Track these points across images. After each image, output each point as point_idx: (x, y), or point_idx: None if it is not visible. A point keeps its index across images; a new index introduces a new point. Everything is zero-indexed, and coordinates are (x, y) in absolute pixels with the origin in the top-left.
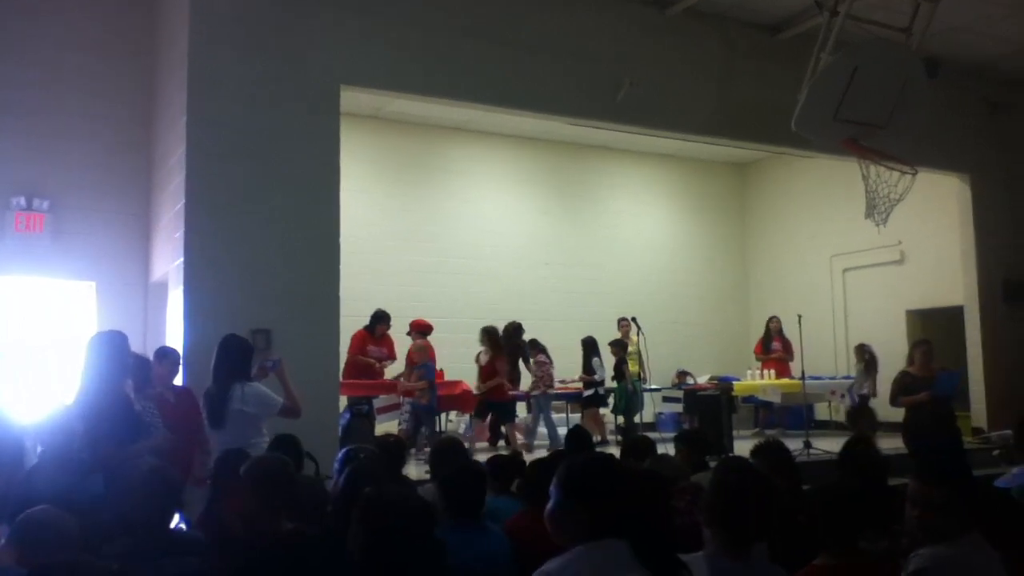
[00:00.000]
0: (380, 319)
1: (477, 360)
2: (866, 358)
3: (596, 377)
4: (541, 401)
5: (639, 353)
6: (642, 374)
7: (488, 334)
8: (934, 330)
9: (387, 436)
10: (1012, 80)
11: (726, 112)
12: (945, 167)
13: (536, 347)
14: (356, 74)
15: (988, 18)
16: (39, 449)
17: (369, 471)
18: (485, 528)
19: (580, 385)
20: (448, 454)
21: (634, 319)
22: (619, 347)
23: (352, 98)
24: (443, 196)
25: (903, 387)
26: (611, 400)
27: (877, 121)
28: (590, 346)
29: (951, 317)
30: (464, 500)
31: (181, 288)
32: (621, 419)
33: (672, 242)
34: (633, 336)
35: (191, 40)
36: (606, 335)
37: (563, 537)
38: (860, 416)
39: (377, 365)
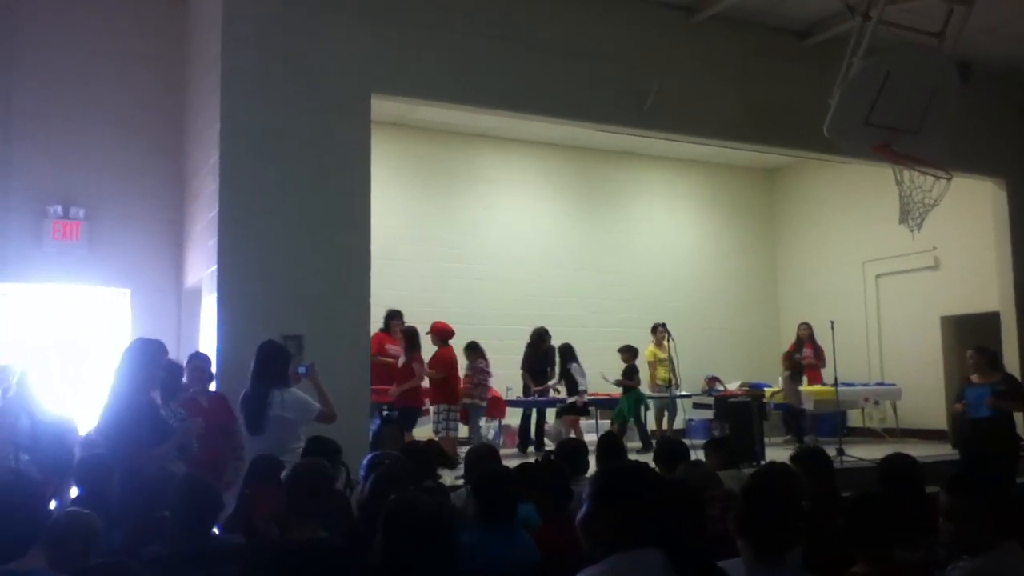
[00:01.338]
0: (393, 316)
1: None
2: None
3: (579, 387)
4: (471, 410)
5: (671, 359)
6: (674, 380)
7: (406, 335)
8: (969, 337)
9: (414, 442)
10: None
11: (753, 117)
12: (980, 172)
13: (476, 351)
14: (386, 82)
15: (1020, 20)
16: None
17: (395, 477)
18: (516, 533)
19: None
20: (482, 459)
21: (664, 326)
22: (629, 353)
23: (378, 105)
24: (467, 202)
25: (957, 395)
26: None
27: (910, 126)
28: (566, 353)
29: (987, 323)
30: (495, 504)
31: (214, 295)
32: (654, 424)
33: (700, 248)
34: (665, 343)
35: (224, 47)
36: (633, 341)
37: (595, 546)
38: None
39: (398, 364)
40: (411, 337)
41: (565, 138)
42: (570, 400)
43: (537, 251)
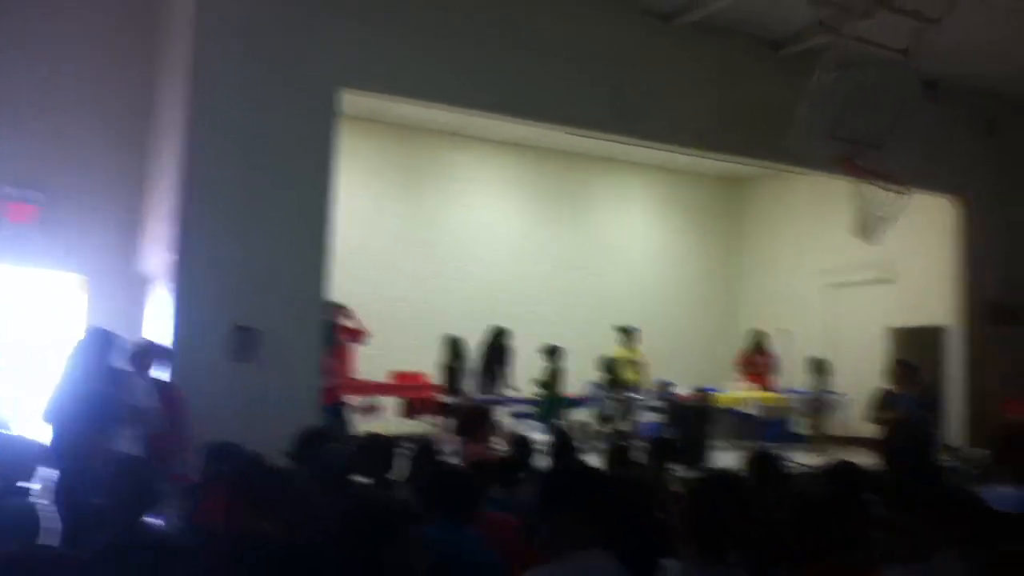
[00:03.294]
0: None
1: None
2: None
3: (462, 385)
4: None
5: (640, 363)
6: (640, 383)
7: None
8: (915, 349)
9: (374, 435)
10: (1009, 102)
11: (724, 126)
12: (939, 188)
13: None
14: (356, 77)
15: (987, 40)
16: None
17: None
18: (461, 530)
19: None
20: (428, 456)
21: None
22: (553, 354)
23: (352, 101)
24: (440, 200)
25: (880, 403)
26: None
27: (874, 140)
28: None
29: (933, 337)
30: (448, 501)
31: (171, 283)
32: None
33: (665, 253)
34: (637, 347)
35: (195, 37)
36: (599, 342)
37: (548, 546)
38: None
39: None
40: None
41: (539, 140)
42: (448, 401)
43: (508, 251)
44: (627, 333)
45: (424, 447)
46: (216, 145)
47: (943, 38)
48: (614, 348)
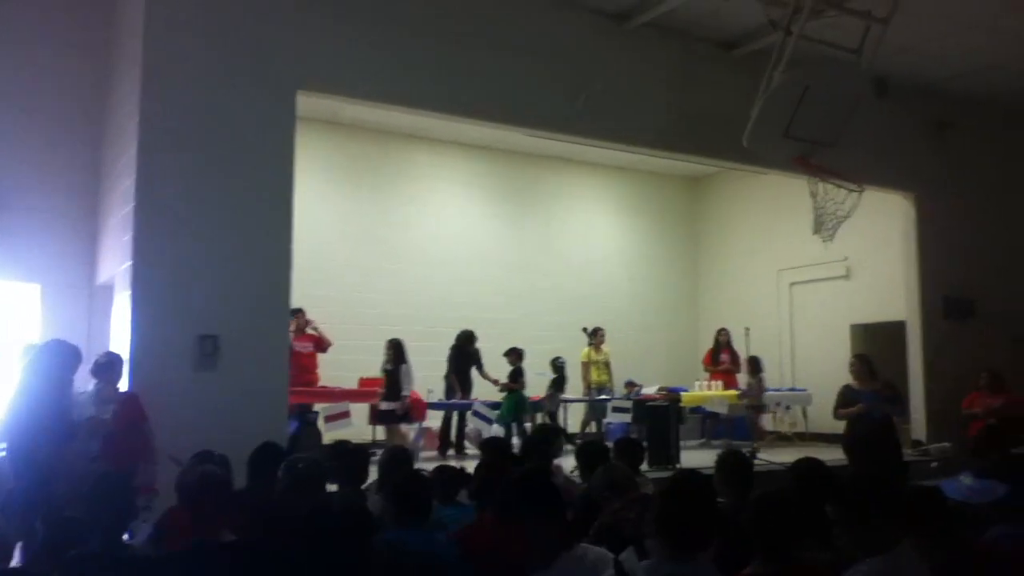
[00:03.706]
0: (293, 313)
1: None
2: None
3: (402, 391)
4: None
5: (607, 363)
6: (609, 383)
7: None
8: (877, 344)
9: (343, 443)
10: (959, 100)
11: (680, 126)
12: (891, 186)
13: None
14: (314, 79)
15: (936, 39)
16: None
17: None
18: (432, 535)
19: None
20: (395, 462)
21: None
22: (514, 355)
23: (310, 103)
24: (399, 203)
25: (844, 400)
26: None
27: (826, 139)
28: (397, 349)
29: (894, 332)
30: (410, 507)
31: (128, 292)
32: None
33: (625, 253)
34: (605, 347)
35: (146, 39)
36: (560, 343)
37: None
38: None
39: (306, 354)
40: None
41: (497, 141)
42: (389, 406)
43: (468, 253)
44: (593, 334)
45: (393, 454)
46: (171, 149)
47: (893, 38)
48: (581, 349)
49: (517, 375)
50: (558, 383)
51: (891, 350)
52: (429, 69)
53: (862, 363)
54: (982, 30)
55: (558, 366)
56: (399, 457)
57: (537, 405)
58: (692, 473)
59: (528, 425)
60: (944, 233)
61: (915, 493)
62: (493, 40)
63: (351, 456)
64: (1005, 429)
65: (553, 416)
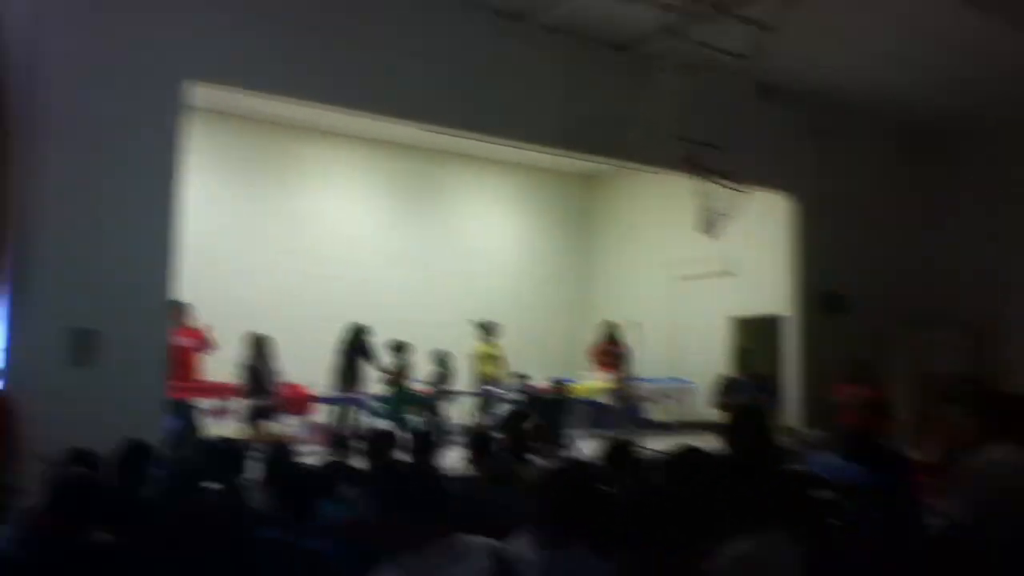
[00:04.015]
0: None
1: None
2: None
3: (267, 387)
4: None
5: (501, 357)
6: (500, 377)
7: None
8: (756, 337)
9: (222, 440)
10: (836, 105)
11: (574, 125)
12: (772, 186)
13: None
14: (204, 69)
15: (818, 50)
16: None
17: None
18: (316, 531)
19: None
20: (280, 458)
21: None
22: (400, 349)
23: (201, 93)
24: (295, 197)
25: (724, 390)
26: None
27: (712, 140)
28: (259, 345)
29: (771, 325)
30: (294, 503)
31: (6, 286)
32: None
33: (520, 249)
34: (498, 341)
35: (28, 22)
36: (455, 337)
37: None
38: None
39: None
40: None
41: (394, 136)
42: (253, 403)
43: (367, 249)
44: (486, 328)
45: (276, 450)
46: (53, 138)
47: (778, 46)
48: (474, 344)
49: (402, 369)
50: (443, 376)
51: (768, 343)
52: (323, 61)
53: (741, 355)
54: (860, 45)
55: (442, 359)
56: (282, 453)
57: (423, 399)
58: (573, 462)
59: (414, 419)
60: (819, 232)
61: (786, 478)
62: (389, 34)
63: (228, 453)
64: (871, 416)
65: (437, 410)
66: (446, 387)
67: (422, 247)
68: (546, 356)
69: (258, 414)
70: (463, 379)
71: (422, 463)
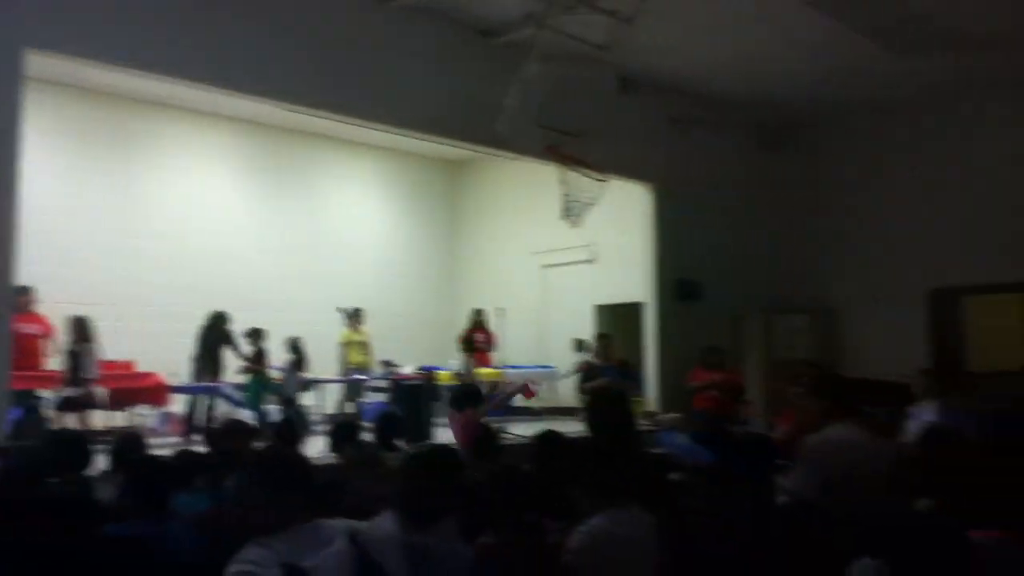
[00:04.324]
0: (20, 292)
1: None
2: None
3: (87, 375)
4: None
5: (366, 344)
6: (366, 364)
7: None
8: (617, 324)
9: (65, 431)
10: (694, 98)
11: (439, 110)
12: (633, 176)
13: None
14: (44, 37)
15: (676, 42)
16: None
17: (26, 470)
18: (168, 523)
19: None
20: (131, 448)
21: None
22: (256, 336)
23: (49, 65)
24: (150, 176)
25: (587, 376)
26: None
27: (574, 130)
28: (80, 328)
29: (632, 312)
30: (147, 494)
31: None
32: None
33: (385, 234)
34: (364, 328)
35: None
36: (319, 324)
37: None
38: None
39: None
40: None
41: (258, 115)
42: (70, 392)
43: (228, 232)
44: (352, 315)
45: (126, 440)
46: None
47: (638, 37)
48: (340, 330)
49: (260, 356)
50: (296, 364)
51: (629, 329)
52: (175, 34)
53: (604, 341)
54: (717, 36)
55: (295, 346)
56: (133, 443)
57: (279, 387)
58: (435, 446)
59: (275, 407)
60: (677, 221)
61: (644, 459)
62: (246, 6)
63: (72, 444)
64: (724, 400)
65: (292, 398)
66: (300, 373)
67: (287, 231)
68: (415, 343)
69: (72, 404)
70: (323, 366)
71: (283, 450)
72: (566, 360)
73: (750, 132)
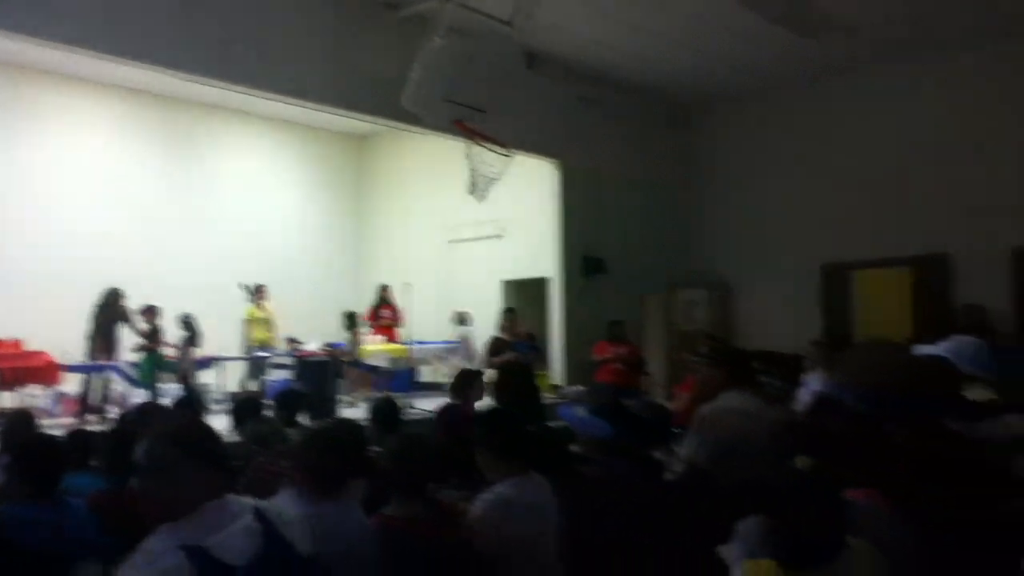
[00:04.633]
0: None
1: None
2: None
3: None
4: None
5: (270, 320)
6: (270, 341)
7: None
8: (524, 299)
9: None
10: (598, 76)
11: (343, 82)
12: (539, 152)
13: None
14: None
15: (580, 20)
16: None
17: None
18: (64, 504)
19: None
20: (21, 428)
21: (264, 286)
22: (151, 313)
23: None
24: (34, 148)
25: (494, 350)
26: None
27: (480, 105)
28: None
29: (538, 287)
30: (37, 475)
31: None
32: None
33: (290, 209)
34: (268, 304)
35: None
36: (222, 302)
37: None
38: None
39: None
40: None
41: (149, 84)
42: None
43: (116, 204)
44: (253, 291)
45: (16, 420)
46: None
47: (543, 14)
48: (244, 307)
49: (154, 334)
50: (190, 341)
51: (536, 304)
52: None
53: (511, 316)
54: (621, 16)
55: (187, 323)
56: (23, 423)
57: (174, 365)
58: (335, 420)
59: (170, 386)
60: (584, 197)
61: (546, 431)
62: None
63: None
64: (627, 372)
65: (187, 376)
66: (194, 350)
67: (185, 204)
68: (321, 320)
69: None
70: (227, 344)
71: (194, 423)
72: (476, 334)
73: (655, 111)
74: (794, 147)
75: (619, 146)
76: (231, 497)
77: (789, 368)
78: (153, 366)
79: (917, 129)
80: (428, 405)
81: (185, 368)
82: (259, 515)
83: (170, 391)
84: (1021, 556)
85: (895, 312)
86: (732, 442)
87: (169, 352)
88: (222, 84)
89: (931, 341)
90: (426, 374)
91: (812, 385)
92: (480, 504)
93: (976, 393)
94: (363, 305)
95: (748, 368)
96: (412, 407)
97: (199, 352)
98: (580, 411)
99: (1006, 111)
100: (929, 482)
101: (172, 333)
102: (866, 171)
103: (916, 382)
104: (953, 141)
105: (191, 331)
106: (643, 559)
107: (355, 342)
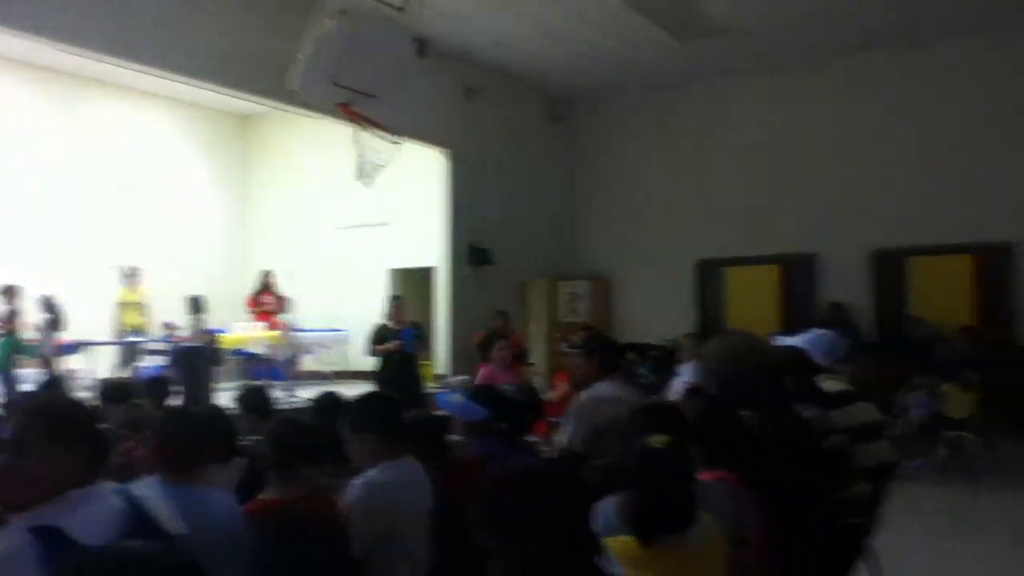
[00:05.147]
0: None
1: None
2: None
3: None
4: None
5: (144, 304)
6: (144, 326)
7: None
8: (410, 287)
9: None
10: (485, 68)
11: (227, 60)
12: (427, 140)
13: None
14: None
15: (472, 9)
16: None
17: None
18: None
19: None
20: None
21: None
22: (10, 294)
23: None
24: None
25: (379, 338)
26: None
27: (369, 90)
28: None
29: (425, 276)
30: None
31: None
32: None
33: (171, 188)
34: (142, 288)
35: None
36: (98, 283)
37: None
38: None
39: None
40: None
41: (27, 54)
42: None
43: None
44: (127, 273)
45: None
46: None
47: (435, 2)
48: (117, 290)
49: (12, 316)
50: (52, 323)
51: (422, 293)
52: None
53: (397, 304)
54: (510, 8)
55: (50, 305)
56: None
57: (34, 348)
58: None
59: (29, 371)
60: (471, 187)
61: (424, 417)
62: None
63: None
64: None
65: (49, 360)
66: (56, 333)
67: (69, 183)
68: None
69: None
70: (99, 328)
71: (64, 403)
72: (359, 323)
73: (540, 104)
74: (672, 145)
75: (505, 137)
76: (99, 483)
77: (663, 359)
78: (9, 349)
79: (788, 133)
80: (309, 394)
81: (46, 352)
82: (125, 496)
83: (29, 376)
84: (862, 537)
85: (765, 307)
86: (604, 427)
87: (29, 336)
88: (108, 59)
89: (792, 334)
90: (309, 362)
91: (685, 375)
92: (353, 488)
93: (829, 384)
94: (246, 291)
95: (620, 358)
96: (284, 393)
97: (63, 336)
98: (457, 396)
99: (870, 118)
100: (776, 466)
101: (34, 316)
102: (740, 171)
103: (771, 371)
104: (821, 147)
105: (53, 313)
106: (515, 537)
107: (198, 328)
